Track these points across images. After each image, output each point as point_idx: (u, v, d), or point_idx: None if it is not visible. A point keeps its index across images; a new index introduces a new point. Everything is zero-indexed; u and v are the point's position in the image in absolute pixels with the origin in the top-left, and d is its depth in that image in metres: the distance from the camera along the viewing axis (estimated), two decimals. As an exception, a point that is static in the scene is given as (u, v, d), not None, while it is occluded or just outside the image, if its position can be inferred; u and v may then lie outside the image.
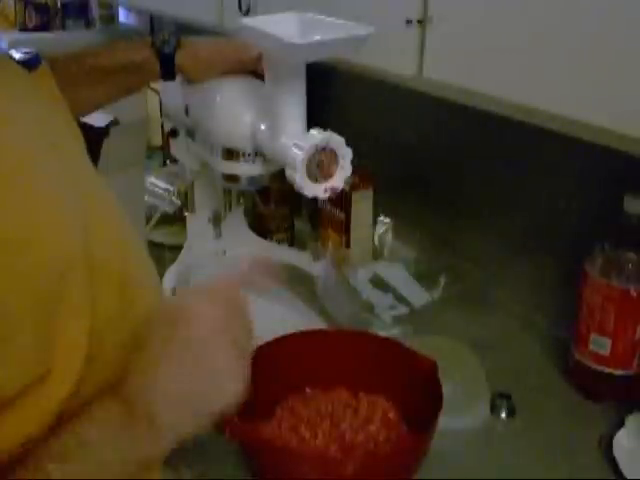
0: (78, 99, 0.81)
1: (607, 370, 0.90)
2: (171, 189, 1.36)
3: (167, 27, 1.73)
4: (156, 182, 1.40)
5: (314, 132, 0.81)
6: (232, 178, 0.93)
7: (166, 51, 0.87)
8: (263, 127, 0.85)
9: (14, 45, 1.69)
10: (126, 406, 0.55)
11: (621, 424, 0.84)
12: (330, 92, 1.34)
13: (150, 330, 0.59)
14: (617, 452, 0.81)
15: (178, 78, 0.91)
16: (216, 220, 1.12)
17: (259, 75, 0.88)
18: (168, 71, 0.88)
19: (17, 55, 0.68)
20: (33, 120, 0.58)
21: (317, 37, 0.73)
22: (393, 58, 0.83)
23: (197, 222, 1.11)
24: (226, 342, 0.58)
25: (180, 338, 0.57)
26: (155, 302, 0.68)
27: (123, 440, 0.55)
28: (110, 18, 2.11)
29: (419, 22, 0.78)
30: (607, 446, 0.82)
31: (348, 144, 0.82)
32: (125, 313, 0.60)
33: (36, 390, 0.52)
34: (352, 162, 0.83)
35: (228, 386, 0.58)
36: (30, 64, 0.67)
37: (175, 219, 1.32)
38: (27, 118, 0.57)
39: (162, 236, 1.31)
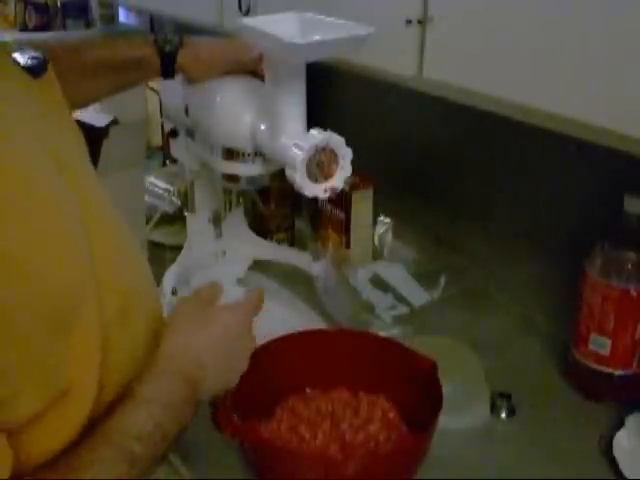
0: (76, 91, 0.81)
1: (607, 370, 0.90)
2: (171, 189, 1.36)
3: (167, 27, 1.74)
4: (156, 182, 1.40)
5: (314, 132, 0.81)
6: (232, 178, 0.93)
7: (168, 50, 0.87)
8: (263, 127, 0.85)
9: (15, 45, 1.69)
10: (189, 385, 0.63)
11: (621, 424, 0.84)
12: (330, 92, 1.34)
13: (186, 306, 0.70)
14: (617, 452, 0.81)
15: (178, 78, 0.91)
16: (216, 220, 1.12)
17: (259, 76, 0.88)
18: (168, 69, 0.88)
19: (22, 60, 0.64)
20: (35, 131, 0.57)
21: (317, 37, 0.73)
22: (393, 58, 0.83)
23: (197, 222, 1.11)
24: (247, 329, 0.72)
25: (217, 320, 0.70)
26: (153, 309, 0.69)
27: (183, 415, 0.62)
28: (110, 18, 2.11)
29: (419, 22, 0.78)
30: (607, 446, 0.82)
31: (348, 144, 0.82)
32: (126, 322, 0.61)
33: (59, 408, 0.53)
34: (352, 162, 0.83)
35: (242, 366, 0.71)
36: (35, 71, 0.64)
37: (175, 219, 1.32)
38: (29, 130, 0.56)
39: (162, 236, 1.30)
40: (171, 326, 0.68)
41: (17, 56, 0.64)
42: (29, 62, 0.64)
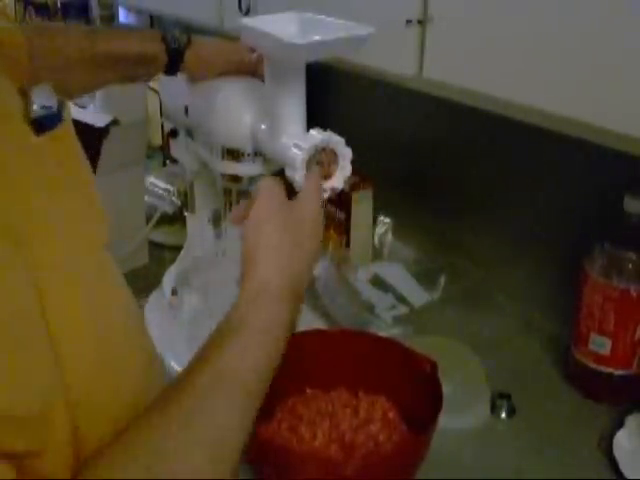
0: (80, 79, 0.80)
1: (607, 370, 0.90)
2: (171, 189, 1.36)
3: (167, 27, 1.74)
4: (156, 182, 1.40)
5: (314, 132, 0.81)
6: (233, 178, 0.93)
7: (177, 47, 0.87)
8: (263, 127, 0.85)
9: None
10: (287, 308, 0.61)
11: (621, 424, 0.84)
12: (330, 92, 1.34)
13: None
14: (617, 452, 0.81)
15: (180, 77, 0.91)
16: (216, 220, 1.11)
17: (259, 77, 0.88)
18: (174, 67, 0.88)
19: (34, 108, 0.49)
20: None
21: (317, 37, 0.73)
22: (393, 58, 0.83)
23: (197, 222, 1.11)
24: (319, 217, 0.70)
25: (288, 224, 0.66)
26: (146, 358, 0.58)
27: (284, 341, 0.61)
28: (110, 18, 2.11)
29: (419, 22, 0.78)
30: (607, 446, 0.83)
31: (348, 144, 0.82)
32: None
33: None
34: (352, 162, 0.83)
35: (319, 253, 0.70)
36: (46, 124, 0.49)
37: (175, 219, 1.32)
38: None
39: (162, 236, 1.31)
40: (259, 241, 0.64)
41: (35, 102, 0.50)
42: (39, 112, 0.50)
